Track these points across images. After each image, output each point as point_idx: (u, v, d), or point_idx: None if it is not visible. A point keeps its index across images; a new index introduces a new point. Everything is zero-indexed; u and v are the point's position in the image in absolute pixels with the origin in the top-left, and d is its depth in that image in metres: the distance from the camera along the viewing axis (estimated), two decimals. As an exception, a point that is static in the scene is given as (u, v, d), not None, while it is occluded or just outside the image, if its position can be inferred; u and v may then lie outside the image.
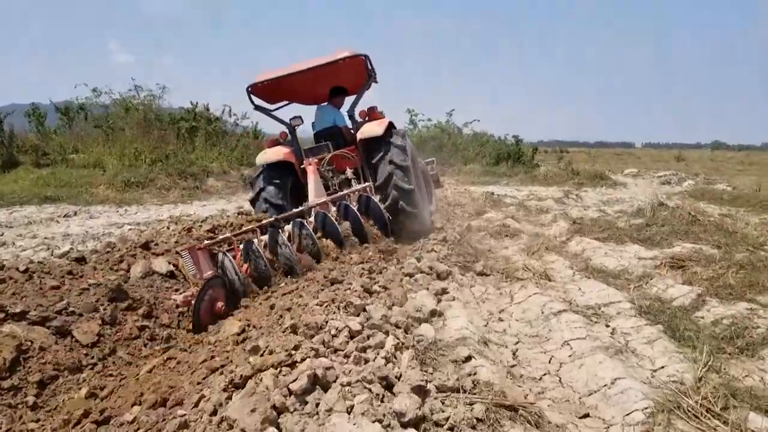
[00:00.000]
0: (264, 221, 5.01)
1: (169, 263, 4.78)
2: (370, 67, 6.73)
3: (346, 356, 2.55)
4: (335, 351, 2.59)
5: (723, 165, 31.34)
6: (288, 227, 5.01)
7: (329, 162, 6.65)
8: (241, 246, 4.67)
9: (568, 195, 13.03)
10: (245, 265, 4.55)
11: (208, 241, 4.54)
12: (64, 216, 8.47)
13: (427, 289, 3.86)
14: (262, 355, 2.49)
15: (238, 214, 7.26)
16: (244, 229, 4.94)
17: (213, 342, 3.14)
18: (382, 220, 5.55)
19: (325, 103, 7.53)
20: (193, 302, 3.97)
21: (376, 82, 7.13)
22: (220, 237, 4.75)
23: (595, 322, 3.55)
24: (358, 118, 6.94)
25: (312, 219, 5.15)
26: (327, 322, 2.82)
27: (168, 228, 6.19)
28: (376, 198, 5.70)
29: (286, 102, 7.74)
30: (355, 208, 5.29)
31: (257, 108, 6.95)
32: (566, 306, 3.79)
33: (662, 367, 2.79)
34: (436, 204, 8.73)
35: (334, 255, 4.73)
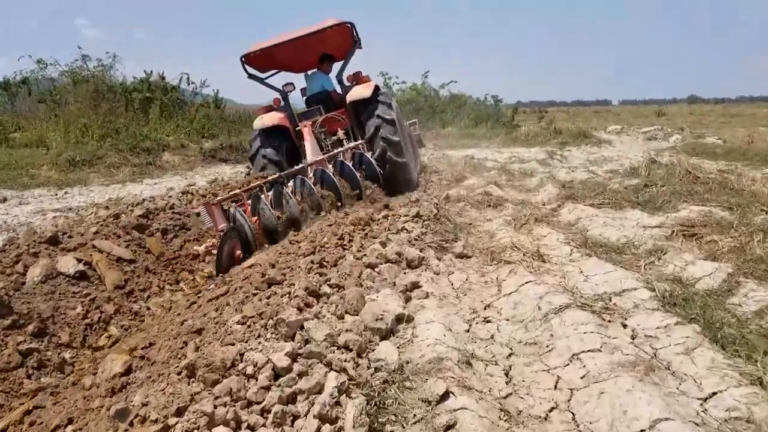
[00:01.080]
0: (269, 177, 5.35)
1: (80, 261, 3.85)
2: (355, 34, 7.16)
3: (264, 413, 1.73)
4: (248, 404, 1.76)
5: (705, 118, 30.71)
6: (290, 183, 5.43)
7: (321, 124, 7.05)
8: (250, 201, 5.00)
9: (552, 156, 12.25)
10: (254, 218, 4.88)
11: (220, 197, 4.89)
12: (-10, 202, 7.46)
13: (394, 284, 3.03)
14: (131, 424, 1.65)
15: (183, 193, 6.31)
16: (252, 185, 5.25)
17: (89, 387, 2.28)
18: (374, 174, 6.10)
19: (315, 70, 8.03)
20: (214, 251, 4.36)
21: (361, 48, 7.57)
22: (231, 193, 5.07)
23: (609, 322, 2.75)
24: (346, 83, 7.50)
25: (311, 175, 5.51)
26: (243, 354, 1.99)
27: (94, 214, 5.25)
28: (368, 154, 6.31)
29: (278, 70, 8.12)
30: (350, 164, 5.80)
31: (251, 77, 7.41)
32: (569, 298, 2.98)
33: (714, 394, 2.00)
34: (419, 165, 9.03)
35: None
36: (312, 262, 3.12)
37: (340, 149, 6.15)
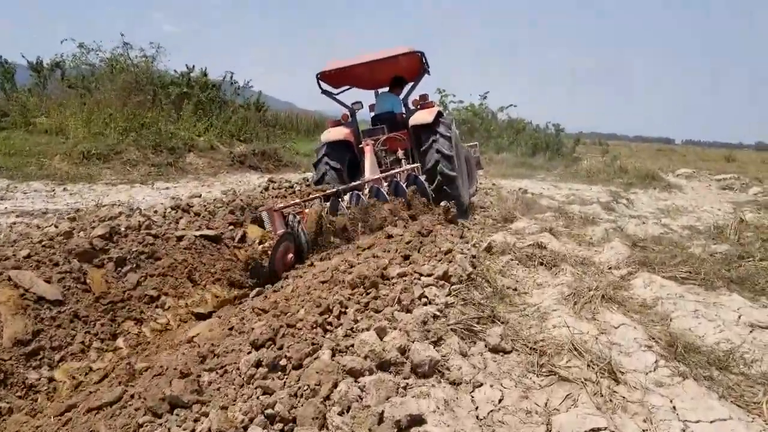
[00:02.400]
0: (327, 191, 5.75)
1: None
2: (424, 62, 7.62)
3: None
4: None
5: None
6: (346, 197, 5.77)
7: (383, 143, 7.60)
8: (308, 210, 5.30)
9: (617, 199, 10.86)
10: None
11: (281, 205, 5.16)
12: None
13: (380, 417, 1.93)
14: None
15: (172, 208, 5.35)
16: (312, 196, 5.70)
17: None
18: (425, 195, 6.32)
19: (386, 90, 8.56)
20: (269, 252, 4.73)
21: (429, 74, 8.04)
22: (292, 202, 5.43)
23: None
24: (411, 106, 7.98)
25: (367, 191, 5.89)
26: None
27: (54, 226, 4.35)
28: (422, 178, 6.54)
29: (349, 87, 8.64)
30: (404, 185, 6.18)
31: (324, 92, 8.00)
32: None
33: None
34: (476, 186, 9.55)
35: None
36: (260, 361, 2.04)
37: (397, 170, 6.57)
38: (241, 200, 5.76)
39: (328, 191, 5.74)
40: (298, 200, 5.58)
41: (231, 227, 5.24)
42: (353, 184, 6.05)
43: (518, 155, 19.28)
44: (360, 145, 7.51)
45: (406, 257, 3.93)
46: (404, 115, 8.04)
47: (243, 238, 5.23)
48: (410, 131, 7.62)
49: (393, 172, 6.50)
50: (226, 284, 4.26)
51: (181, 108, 13.45)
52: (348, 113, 8.11)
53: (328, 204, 5.47)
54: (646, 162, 20.46)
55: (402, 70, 8.17)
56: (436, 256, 4.08)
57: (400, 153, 7.58)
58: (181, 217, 4.97)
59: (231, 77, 15.08)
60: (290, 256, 4.84)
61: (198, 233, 4.59)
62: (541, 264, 4.95)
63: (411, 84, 8.21)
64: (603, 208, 9.39)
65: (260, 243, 5.33)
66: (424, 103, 7.83)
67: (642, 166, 16.07)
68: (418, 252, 4.20)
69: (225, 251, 4.83)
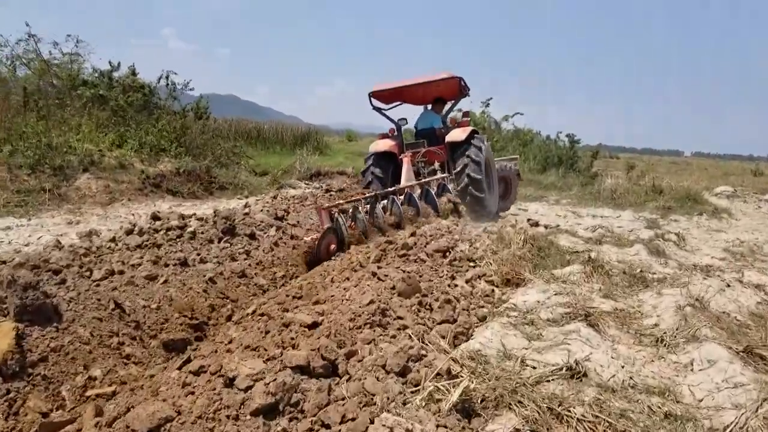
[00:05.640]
0: (367, 195, 6.83)
1: None
2: (463, 85, 8.75)
3: None
4: None
5: None
6: (384, 201, 6.67)
7: (423, 155, 8.83)
8: (351, 210, 6.31)
9: (659, 232, 8.02)
10: (352, 223, 6.19)
11: (328, 204, 6.23)
12: None
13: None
14: None
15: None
16: (353, 198, 6.75)
17: None
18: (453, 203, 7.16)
19: (429, 108, 9.72)
20: (316, 242, 5.70)
21: (469, 96, 9.49)
22: (336, 203, 6.42)
23: None
24: (449, 124, 9.23)
25: (401, 197, 6.77)
26: None
27: None
28: (451, 186, 7.77)
29: (399, 103, 9.73)
30: (434, 192, 7.05)
31: (375, 108, 9.27)
32: None
33: None
34: (514, 197, 10.90)
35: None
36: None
37: (428, 179, 7.50)
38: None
39: (367, 195, 6.71)
40: (342, 201, 6.52)
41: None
42: (389, 189, 6.94)
43: (525, 171, 16.39)
44: (400, 157, 8.42)
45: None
46: (443, 131, 8.93)
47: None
48: (447, 146, 8.53)
49: (424, 180, 7.42)
50: None
51: (91, 114, 10.51)
52: (395, 128, 9.25)
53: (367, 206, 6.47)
54: (673, 179, 17.48)
55: (442, 93, 9.24)
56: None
57: (437, 165, 8.58)
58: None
59: (167, 78, 12.43)
60: (333, 246, 5.77)
61: None
62: (582, 422, 2.15)
63: (451, 103, 9.47)
64: (649, 252, 6.55)
65: None
66: (460, 121, 8.99)
67: (678, 184, 13.12)
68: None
69: None
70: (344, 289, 3.44)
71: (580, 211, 10.64)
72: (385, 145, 8.72)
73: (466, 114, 9.60)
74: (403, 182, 7.58)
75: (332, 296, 3.28)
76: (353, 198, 6.66)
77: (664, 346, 3.41)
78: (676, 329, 3.62)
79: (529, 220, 8.09)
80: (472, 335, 3.25)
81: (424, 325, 3.19)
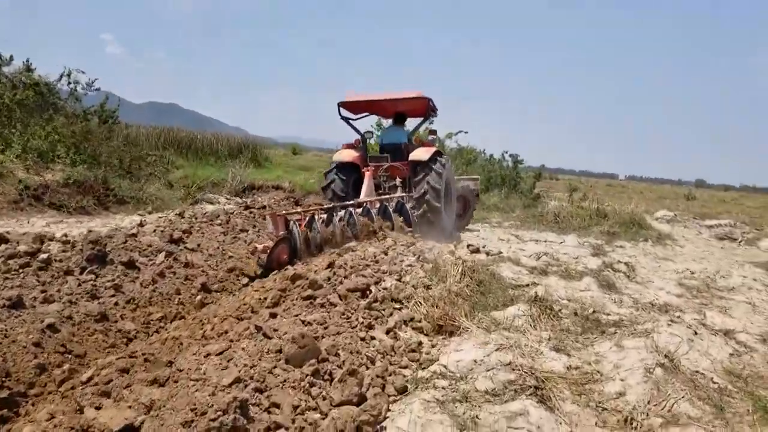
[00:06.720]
0: (325, 206, 6.83)
1: None
2: (431, 105, 9.04)
3: None
4: None
5: (750, 209, 25.65)
6: (341, 212, 6.63)
7: (385, 170, 8.85)
8: (307, 219, 6.17)
9: (607, 261, 7.40)
10: (307, 231, 6.04)
11: (285, 212, 6.15)
12: None
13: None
14: None
15: None
16: (310, 209, 6.52)
17: None
18: (409, 221, 7.27)
19: (393, 124, 9.98)
20: (268, 250, 5.53)
21: (436, 116, 9.93)
22: (294, 210, 6.51)
23: None
24: (414, 142, 9.26)
25: (359, 210, 6.82)
26: None
27: None
28: (409, 205, 7.69)
29: (367, 114, 10.02)
30: (391, 210, 7.12)
31: (343, 118, 9.31)
32: None
33: None
34: (471, 216, 11.19)
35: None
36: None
37: (387, 196, 7.71)
38: None
39: (325, 206, 6.81)
40: (299, 209, 6.71)
41: None
42: (348, 203, 7.06)
43: (469, 191, 15.76)
44: (363, 170, 8.55)
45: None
46: (408, 147, 8.99)
47: None
48: (409, 164, 8.58)
49: (384, 197, 7.57)
50: None
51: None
52: (360, 138, 9.31)
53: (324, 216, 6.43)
54: (613, 201, 17.25)
55: (410, 110, 9.50)
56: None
57: (398, 181, 8.72)
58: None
59: (68, 75, 11.00)
60: (284, 256, 5.67)
61: None
62: None
63: (419, 121, 9.58)
64: (600, 285, 5.87)
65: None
66: (424, 141, 9.24)
67: (621, 209, 12.74)
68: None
69: None
70: (205, 355, 2.44)
71: (523, 235, 9.99)
72: (349, 155, 8.80)
73: (432, 133, 10.00)
74: (363, 196, 7.78)
75: (181, 370, 2.28)
76: (310, 208, 6.67)
77: (634, 429, 2.60)
78: (647, 402, 2.82)
79: (469, 245, 7.29)
80: (382, 428, 2.32)
81: (316, 409, 2.24)
